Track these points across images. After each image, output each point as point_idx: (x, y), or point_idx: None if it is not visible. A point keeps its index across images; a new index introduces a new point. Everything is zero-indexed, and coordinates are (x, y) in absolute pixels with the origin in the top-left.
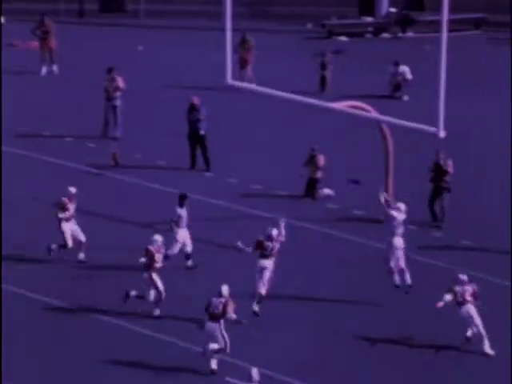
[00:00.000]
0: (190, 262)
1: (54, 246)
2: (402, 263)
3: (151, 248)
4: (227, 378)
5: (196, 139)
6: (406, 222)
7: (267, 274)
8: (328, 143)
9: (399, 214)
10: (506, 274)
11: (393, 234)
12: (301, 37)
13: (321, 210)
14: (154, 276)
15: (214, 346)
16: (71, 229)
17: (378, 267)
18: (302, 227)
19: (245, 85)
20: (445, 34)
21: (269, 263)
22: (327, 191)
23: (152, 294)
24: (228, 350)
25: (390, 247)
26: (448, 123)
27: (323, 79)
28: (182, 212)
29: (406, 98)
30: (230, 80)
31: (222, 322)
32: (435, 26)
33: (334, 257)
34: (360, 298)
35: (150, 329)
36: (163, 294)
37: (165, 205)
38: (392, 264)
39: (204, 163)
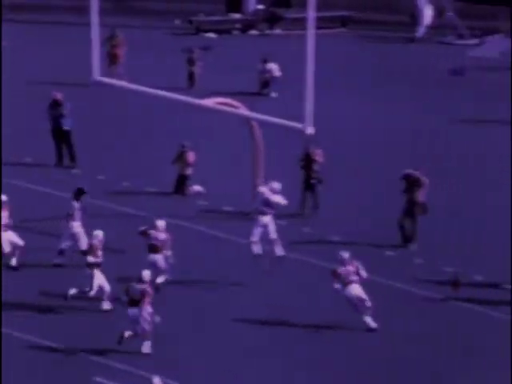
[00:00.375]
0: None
1: None
2: (273, 235)
3: (95, 242)
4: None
5: (60, 135)
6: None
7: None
8: (198, 140)
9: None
10: (375, 269)
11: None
12: (168, 33)
13: (191, 207)
14: (97, 272)
15: (129, 332)
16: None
17: (248, 260)
18: (171, 224)
19: (113, 81)
20: (312, 32)
21: (159, 257)
22: (197, 188)
23: (95, 288)
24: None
25: (257, 222)
26: (315, 120)
27: (191, 76)
28: (77, 206)
29: (274, 94)
30: (97, 76)
31: (144, 307)
32: (302, 23)
33: (205, 253)
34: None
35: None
36: (108, 288)
37: (31, 202)
38: (254, 238)
39: (70, 160)
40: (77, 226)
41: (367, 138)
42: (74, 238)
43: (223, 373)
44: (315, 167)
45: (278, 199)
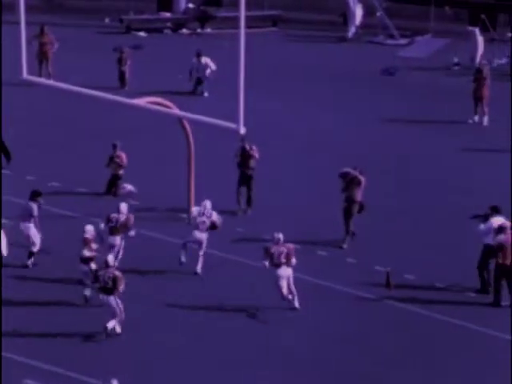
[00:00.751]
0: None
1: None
2: (201, 252)
3: (88, 236)
4: None
5: None
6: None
7: (116, 250)
8: (131, 140)
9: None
10: (307, 269)
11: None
12: (99, 32)
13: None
14: (94, 265)
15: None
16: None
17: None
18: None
19: (41, 80)
20: (242, 31)
21: (117, 239)
22: (129, 188)
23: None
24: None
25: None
26: (248, 117)
27: (122, 75)
28: (34, 207)
29: (206, 94)
30: (25, 75)
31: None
32: (233, 22)
33: (136, 253)
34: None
35: None
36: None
37: None
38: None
39: (6, 160)
40: (32, 228)
41: (301, 138)
42: (29, 239)
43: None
44: (251, 163)
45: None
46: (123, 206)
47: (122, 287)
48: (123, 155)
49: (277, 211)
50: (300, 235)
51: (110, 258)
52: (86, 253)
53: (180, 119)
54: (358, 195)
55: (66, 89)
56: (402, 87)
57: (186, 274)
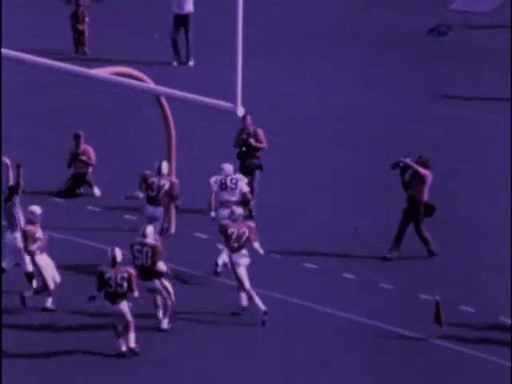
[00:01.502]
0: None
1: (28, 294)
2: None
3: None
4: None
5: None
6: None
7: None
8: (93, 125)
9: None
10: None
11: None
12: None
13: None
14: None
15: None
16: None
17: None
18: None
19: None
20: None
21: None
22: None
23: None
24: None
25: None
26: (253, 94)
27: (79, 36)
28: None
29: (191, 62)
30: None
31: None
32: None
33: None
34: None
35: None
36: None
37: None
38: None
39: None
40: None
41: (329, 121)
42: None
43: None
44: (256, 152)
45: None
46: (164, 165)
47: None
48: (90, 150)
49: (288, 217)
50: (318, 248)
51: (149, 229)
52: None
53: (157, 96)
54: (423, 194)
55: (6, 55)
56: (454, 50)
57: None
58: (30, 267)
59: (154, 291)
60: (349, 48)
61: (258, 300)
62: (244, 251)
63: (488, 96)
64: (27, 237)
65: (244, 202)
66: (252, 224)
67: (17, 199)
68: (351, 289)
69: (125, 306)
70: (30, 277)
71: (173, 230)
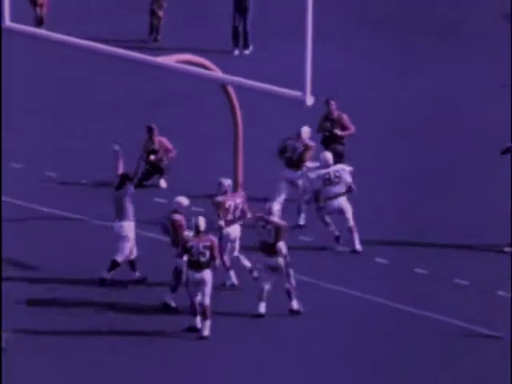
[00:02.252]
0: None
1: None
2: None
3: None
4: None
5: None
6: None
7: None
8: (157, 114)
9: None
10: None
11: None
12: None
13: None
14: None
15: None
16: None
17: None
18: None
19: (29, 29)
20: None
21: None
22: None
23: None
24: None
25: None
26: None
27: (155, 21)
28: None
29: (247, 51)
30: (7, 22)
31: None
32: None
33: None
34: None
35: None
36: None
37: None
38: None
39: None
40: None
41: (408, 112)
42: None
43: None
44: (341, 140)
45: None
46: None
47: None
48: (165, 141)
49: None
50: (388, 241)
51: (275, 206)
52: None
53: (223, 85)
54: None
55: (64, 41)
56: None
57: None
58: (132, 256)
59: (274, 269)
60: (421, 35)
61: (245, 260)
62: (237, 224)
63: None
64: (175, 227)
65: (348, 192)
66: (243, 193)
67: (130, 188)
68: (423, 284)
69: (207, 274)
70: (132, 264)
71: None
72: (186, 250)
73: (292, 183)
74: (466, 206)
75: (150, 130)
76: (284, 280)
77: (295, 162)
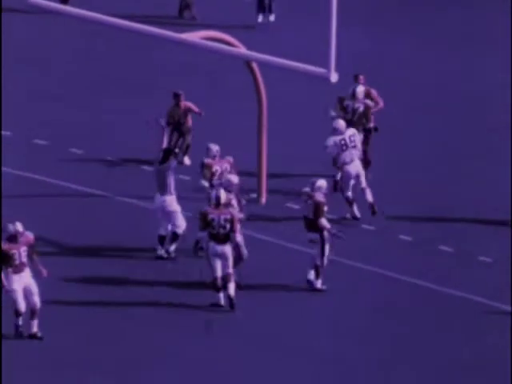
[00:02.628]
0: None
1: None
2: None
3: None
4: None
5: None
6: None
7: None
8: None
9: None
10: None
11: None
12: None
13: None
14: None
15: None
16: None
17: None
18: None
19: (54, 5)
20: None
21: None
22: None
23: None
24: None
25: None
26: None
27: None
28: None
29: (272, 18)
30: None
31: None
32: None
33: None
34: None
35: None
36: None
37: None
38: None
39: None
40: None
41: (408, 81)
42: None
43: None
44: (370, 114)
45: None
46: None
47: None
48: (192, 105)
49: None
50: (413, 219)
51: (320, 182)
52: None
53: (247, 61)
54: None
55: (87, 17)
56: None
57: None
58: (180, 230)
59: (313, 241)
60: (448, 12)
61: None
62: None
63: None
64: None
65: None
66: (231, 159)
67: (173, 163)
68: (447, 262)
69: (228, 248)
70: (175, 237)
71: (264, 199)
72: (207, 223)
73: None
74: (492, 182)
75: (176, 96)
76: (317, 256)
77: (354, 123)
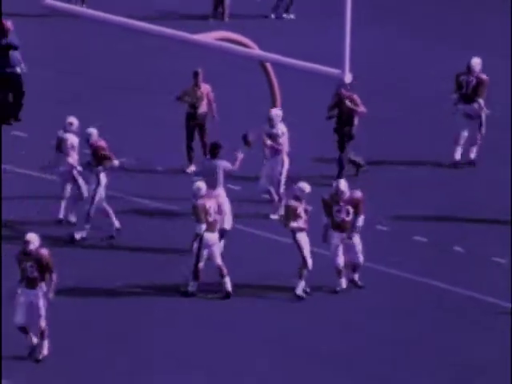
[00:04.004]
0: None
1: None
2: None
3: None
4: None
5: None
6: None
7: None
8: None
9: None
10: None
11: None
12: None
13: None
14: None
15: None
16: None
17: None
18: None
19: (69, 6)
20: None
21: None
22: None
23: None
24: None
25: None
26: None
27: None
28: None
29: (292, 16)
30: None
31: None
32: None
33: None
34: None
35: None
36: None
37: None
38: None
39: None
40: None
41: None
42: None
43: None
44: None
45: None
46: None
47: None
48: (209, 91)
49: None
50: (427, 220)
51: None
52: None
53: (261, 62)
54: None
55: (104, 19)
56: None
57: None
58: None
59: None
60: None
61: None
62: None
63: None
64: (289, 212)
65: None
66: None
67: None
68: (461, 263)
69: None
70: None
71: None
72: (330, 211)
73: (469, 117)
74: (508, 184)
75: (196, 74)
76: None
77: (470, 97)
